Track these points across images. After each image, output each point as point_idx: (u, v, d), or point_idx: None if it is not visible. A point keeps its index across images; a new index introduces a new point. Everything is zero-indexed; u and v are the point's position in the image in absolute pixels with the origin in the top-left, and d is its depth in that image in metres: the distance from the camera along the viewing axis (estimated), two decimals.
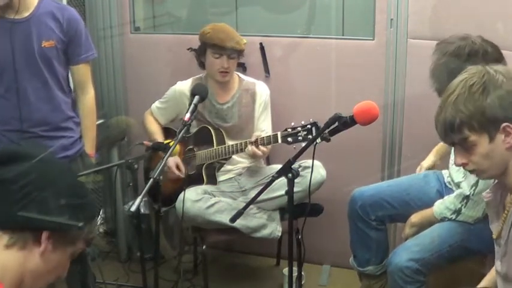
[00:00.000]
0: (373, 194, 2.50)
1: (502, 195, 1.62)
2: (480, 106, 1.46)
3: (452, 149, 2.34)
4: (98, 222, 3.49)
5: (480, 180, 2.06)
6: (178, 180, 2.88)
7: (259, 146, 2.63)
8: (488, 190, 1.68)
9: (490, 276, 1.76)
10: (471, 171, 1.57)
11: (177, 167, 2.86)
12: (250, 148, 2.63)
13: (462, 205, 2.18)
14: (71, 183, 1.21)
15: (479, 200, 2.10)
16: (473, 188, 2.13)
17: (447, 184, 2.44)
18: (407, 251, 2.16)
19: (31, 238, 1.13)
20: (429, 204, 2.38)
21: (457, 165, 1.57)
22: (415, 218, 2.35)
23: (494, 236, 1.63)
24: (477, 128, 1.47)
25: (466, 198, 2.17)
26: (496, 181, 1.64)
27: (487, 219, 1.72)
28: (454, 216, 2.21)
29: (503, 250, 1.57)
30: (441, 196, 2.38)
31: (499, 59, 2.12)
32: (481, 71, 1.50)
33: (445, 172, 2.48)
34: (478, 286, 1.76)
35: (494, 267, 1.74)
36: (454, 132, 1.49)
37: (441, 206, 2.26)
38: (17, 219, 1.11)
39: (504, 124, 1.46)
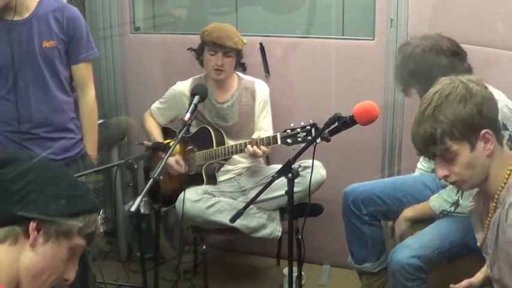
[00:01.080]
0: (365, 189, 2.51)
1: (484, 204, 1.63)
2: (459, 114, 1.47)
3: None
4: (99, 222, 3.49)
5: None
6: (178, 180, 2.89)
7: (260, 146, 2.63)
8: (471, 199, 1.69)
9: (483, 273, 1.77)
10: (453, 183, 1.58)
11: (177, 164, 2.86)
12: (251, 149, 2.63)
13: (458, 196, 2.20)
14: (57, 175, 1.19)
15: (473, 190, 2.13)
16: None
17: (443, 186, 2.44)
18: (408, 248, 2.17)
19: (21, 231, 1.11)
20: (422, 202, 2.39)
21: (439, 177, 1.58)
22: (408, 212, 2.35)
23: (478, 244, 1.64)
24: (458, 137, 1.48)
25: None
26: (478, 190, 1.64)
27: None
28: (453, 209, 2.22)
29: (492, 258, 1.57)
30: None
31: (457, 52, 2.15)
32: (455, 81, 1.52)
33: None
34: (472, 279, 1.77)
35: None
36: (436, 144, 1.50)
37: (439, 199, 2.26)
38: (3, 213, 1.10)
39: (483, 131, 1.48)
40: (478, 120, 1.47)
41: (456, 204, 2.21)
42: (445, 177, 1.56)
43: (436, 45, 2.13)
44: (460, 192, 2.18)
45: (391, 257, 2.21)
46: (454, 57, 2.14)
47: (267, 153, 2.71)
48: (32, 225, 1.11)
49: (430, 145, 1.51)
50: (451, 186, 2.23)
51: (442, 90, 1.50)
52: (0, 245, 1.10)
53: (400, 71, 2.20)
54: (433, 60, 2.11)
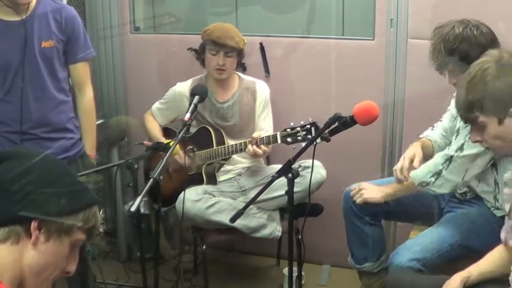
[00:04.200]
0: None
1: None
2: (489, 90, 1.52)
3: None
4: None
5: (466, 145, 2.10)
6: (178, 180, 2.88)
7: (260, 145, 2.63)
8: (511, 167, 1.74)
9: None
10: (487, 148, 1.66)
11: (179, 156, 2.85)
12: (251, 148, 2.63)
13: (444, 167, 2.17)
14: (57, 173, 1.19)
15: (461, 164, 2.12)
16: (458, 151, 2.13)
17: None
18: (408, 251, 2.16)
19: (22, 231, 1.11)
20: (423, 202, 2.39)
21: (472, 141, 1.67)
22: (388, 189, 2.40)
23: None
24: (486, 111, 1.53)
25: (450, 159, 2.15)
26: None
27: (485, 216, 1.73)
28: (433, 179, 2.18)
29: None
30: (436, 197, 2.38)
31: (491, 41, 2.14)
32: (497, 56, 1.57)
33: None
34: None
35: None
36: (467, 111, 1.57)
37: (424, 169, 2.22)
38: (4, 213, 1.10)
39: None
40: (506, 99, 1.52)
41: (438, 174, 2.17)
42: (478, 142, 1.64)
43: (470, 31, 2.15)
44: (447, 162, 2.16)
45: (391, 259, 2.20)
46: (484, 46, 2.12)
47: (267, 153, 2.71)
48: (34, 224, 1.11)
49: (463, 111, 1.60)
50: (443, 152, 2.21)
51: (483, 62, 1.57)
52: (2, 244, 1.10)
53: (434, 49, 2.20)
54: (462, 45, 2.13)
